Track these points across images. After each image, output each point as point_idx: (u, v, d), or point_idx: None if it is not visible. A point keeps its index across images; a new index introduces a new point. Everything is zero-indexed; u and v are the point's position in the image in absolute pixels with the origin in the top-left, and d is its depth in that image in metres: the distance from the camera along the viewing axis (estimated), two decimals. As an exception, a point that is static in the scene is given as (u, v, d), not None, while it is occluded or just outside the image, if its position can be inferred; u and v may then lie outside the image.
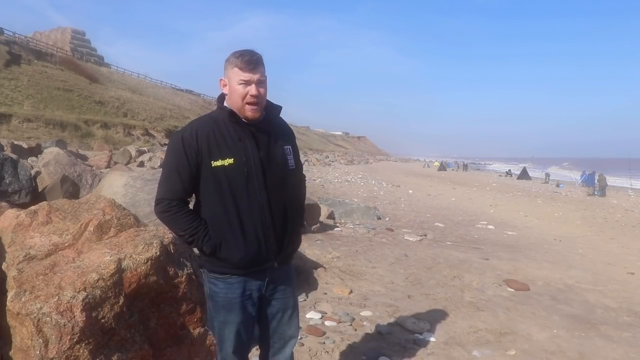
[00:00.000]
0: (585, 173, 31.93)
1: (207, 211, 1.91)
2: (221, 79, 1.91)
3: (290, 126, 2.15)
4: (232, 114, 1.89)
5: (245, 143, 1.88)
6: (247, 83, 1.82)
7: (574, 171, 42.80)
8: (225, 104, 1.96)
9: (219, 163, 1.84)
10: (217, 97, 2.03)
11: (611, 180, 29.07)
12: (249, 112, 1.86)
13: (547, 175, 38.73)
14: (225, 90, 1.91)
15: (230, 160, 1.84)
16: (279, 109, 2.02)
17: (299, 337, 2.20)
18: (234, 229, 1.88)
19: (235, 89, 1.84)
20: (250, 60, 1.81)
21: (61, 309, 2.07)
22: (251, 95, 1.83)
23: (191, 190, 1.91)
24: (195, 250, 2.11)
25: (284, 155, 1.98)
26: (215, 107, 2.02)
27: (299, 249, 2.34)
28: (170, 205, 1.87)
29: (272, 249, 1.94)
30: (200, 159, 1.84)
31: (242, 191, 1.87)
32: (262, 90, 1.85)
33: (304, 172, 2.21)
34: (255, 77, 1.82)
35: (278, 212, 1.94)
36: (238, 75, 1.82)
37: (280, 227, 1.96)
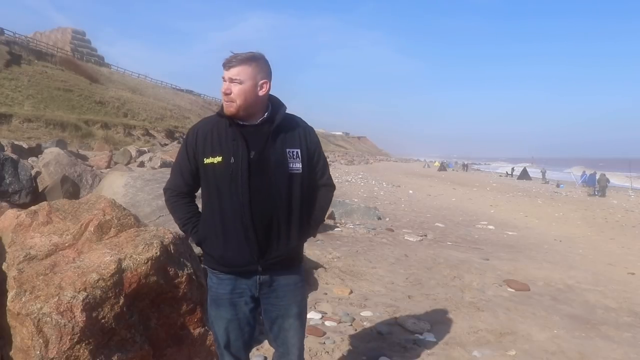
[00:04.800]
0: (586, 173, 31.93)
1: (203, 206, 2.01)
2: None
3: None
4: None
5: (238, 143, 1.90)
6: (223, 80, 1.91)
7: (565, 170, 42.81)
8: None
9: (209, 160, 1.91)
10: None
11: (612, 180, 29.06)
12: (225, 107, 1.92)
13: (543, 173, 38.80)
14: None
15: (219, 159, 1.89)
16: (282, 110, 1.99)
17: (301, 351, 2.13)
18: (216, 226, 1.94)
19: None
20: (227, 60, 1.88)
21: (61, 309, 2.07)
22: (222, 91, 1.91)
23: (193, 184, 2.02)
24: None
25: (283, 158, 1.93)
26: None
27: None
28: (171, 195, 2.05)
29: (254, 252, 1.92)
30: (197, 156, 1.95)
31: (226, 190, 1.90)
32: (234, 88, 1.88)
33: (330, 182, 2.13)
34: (227, 75, 1.89)
35: (262, 215, 1.90)
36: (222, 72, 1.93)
37: (264, 231, 1.92)
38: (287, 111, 2.03)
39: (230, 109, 1.89)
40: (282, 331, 2.06)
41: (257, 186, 1.89)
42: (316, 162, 2.06)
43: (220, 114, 1.95)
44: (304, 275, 2.17)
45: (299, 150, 1.97)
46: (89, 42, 75.20)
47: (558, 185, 31.94)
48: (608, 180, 25.80)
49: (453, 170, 58.12)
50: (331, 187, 2.15)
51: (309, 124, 2.12)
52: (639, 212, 16.60)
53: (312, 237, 2.20)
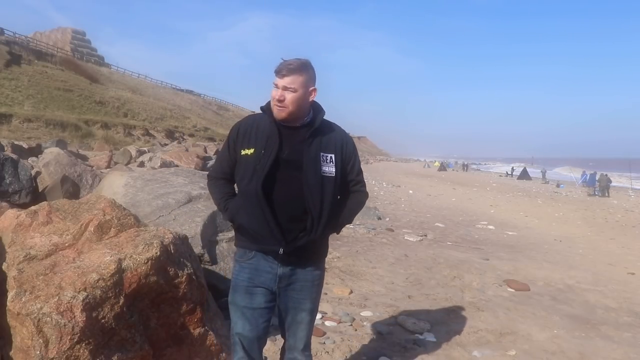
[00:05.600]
0: (586, 173, 31.92)
1: (237, 191, 2.20)
2: None
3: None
4: (271, 113, 2.10)
5: (272, 140, 2.03)
6: (276, 87, 2.03)
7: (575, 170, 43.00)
8: None
9: (244, 152, 2.08)
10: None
11: (614, 180, 29.02)
12: (275, 111, 2.06)
13: (543, 173, 38.85)
14: None
15: (252, 151, 2.06)
16: (321, 115, 2.14)
17: (308, 344, 2.24)
18: (244, 204, 2.09)
19: (272, 90, 2.06)
20: (281, 68, 2.01)
21: (61, 309, 2.07)
22: (275, 98, 2.03)
23: (231, 173, 2.19)
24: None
25: (316, 160, 2.05)
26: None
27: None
28: (210, 179, 2.29)
29: (277, 235, 2.02)
30: (236, 148, 2.13)
31: (248, 178, 2.05)
32: (288, 96, 2.00)
33: (362, 189, 2.24)
34: (281, 83, 2.01)
35: (285, 208, 2.03)
36: (275, 78, 2.05)
37: (288, 222, 2.04)
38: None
39: (282, 114, 2.04)
40: (293, 323, 2.19)
41: (284, 181, 2.02)
42: (350, 169, 2.19)
43: (265, 110, 2.11)
44: (323, 273, 2.27)
45: (333, 155, 2.10)
46: (89, 42, 75.20)
47: (558, 185, 31.95)
48: (609, 180, 25.75)
49: (453, 170, 58.17)
50: (363, 193, 2.27)
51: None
52: (639, 212, 16.61)
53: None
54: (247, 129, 2.12)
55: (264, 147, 2.04)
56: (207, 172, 2.71)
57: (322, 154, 2.08)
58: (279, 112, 2.03)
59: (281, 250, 2.04)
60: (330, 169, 2.08)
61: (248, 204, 2.06)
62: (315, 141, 2.07)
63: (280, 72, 2.01)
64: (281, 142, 2.04)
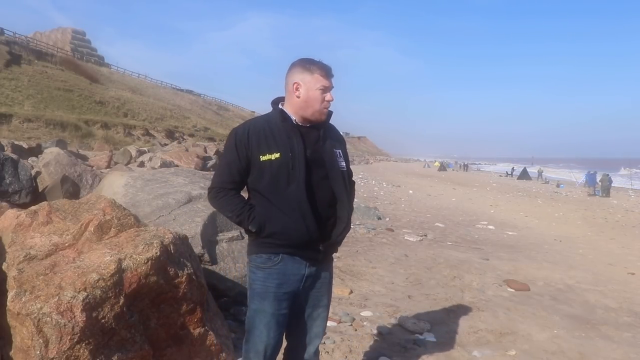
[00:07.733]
0: (589, 173, 31.93)
1: (255, 199, 2.08)
2: (295, 82, 2.06)
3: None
4: (282, 113, 2.08)
5: (293, 140, 2.03)
6: (326, 89, 2.05)
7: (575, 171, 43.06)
8: (281, 105, 2.13)
9: (266, 157, 2.01)
10: (271, 100, 2.21)
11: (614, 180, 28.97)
12: (324, 115, 2.08)
13: (540, 173, 38.91)
14: (297, 94, 2.05)
15: (277, 155, 2.00)
16: (329, 114, 2.17)
17: (322, 341, 2.28)
18: (277, 210, 2.01)
19: (314, 94, 2.04)
20: (328, 69, 2.05)
21: (61, 309, 2.07)
22: (329, 101, 2.06)
23: (241, 181, 2.09)
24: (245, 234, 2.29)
25: (333, 156, 2.11)
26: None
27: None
28: (218, 191, 2.09)
29: (314, 235, 2.03)
30: (250, 154, 2.02)
31: (284, 184, 2.00)
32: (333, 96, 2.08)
33: (353, 179, 2.33)
34: (332, 85, 2.06)
35: (321, 205, 2.05)
36: (320, 82, 2.04)
37: (324, 218, 2.07)
38: None
39: (325, 115, 2.09)
40: (309, 319, 2.20)
41: (314, 181, 2.04)
42: (348, 162, 2.27)
43: (278, 110, 2.10)
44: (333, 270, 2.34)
45: (341, 151, 2.19)
46: (89, 42, 75.23)
47: (558, 185, 31.95)
48: (611, 180, 25.68)
49: (453, 170, 58.20)
50: (354, 183, 2.35)
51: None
52: (639, 212, 16.60)
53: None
54: (259, 133, 2.04)
55: (290, 150, 2.01)
56: (207, 172, 2.68)
57: (335, 150, 2.15)
58: (325, 115, 2.09)
59: (321, 247, 2.08)
60: (342, 163, 2.16)
61: (285, 209, 2.01)
62: (328, 139, 2.14)
63: (330, 73, 2.06)
64: (304, 142, 2.06)
